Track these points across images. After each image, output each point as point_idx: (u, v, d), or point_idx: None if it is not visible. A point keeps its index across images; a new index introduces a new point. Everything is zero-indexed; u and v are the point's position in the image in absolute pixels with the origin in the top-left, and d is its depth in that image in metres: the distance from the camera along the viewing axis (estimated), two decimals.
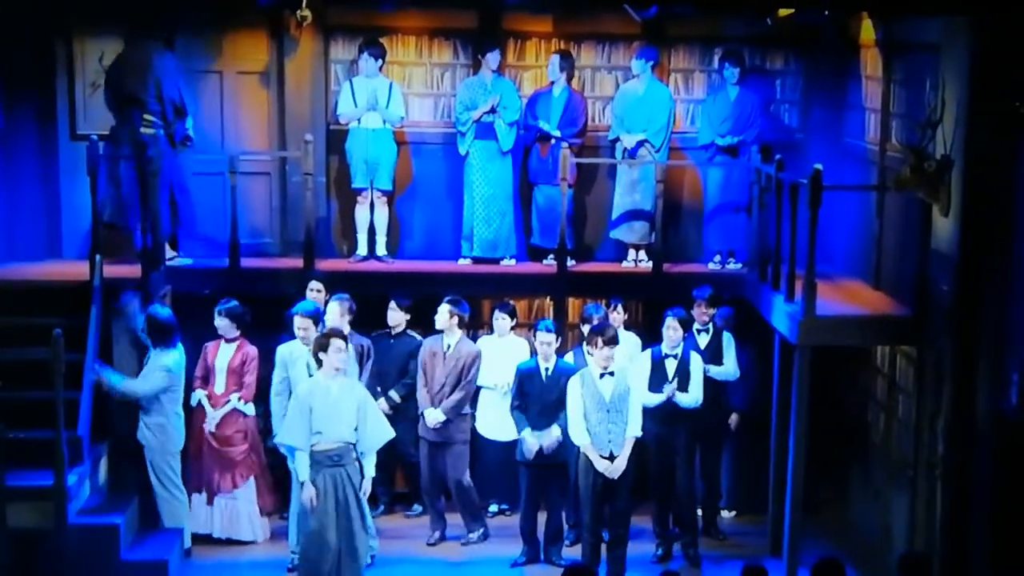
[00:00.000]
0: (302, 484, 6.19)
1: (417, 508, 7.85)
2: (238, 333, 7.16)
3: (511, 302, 7.74)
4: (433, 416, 7.22)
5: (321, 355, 6.22)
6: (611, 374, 6.54)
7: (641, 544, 7.26)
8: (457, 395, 7.22)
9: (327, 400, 6.18)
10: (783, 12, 7.46)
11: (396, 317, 7.53)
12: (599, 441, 6.50)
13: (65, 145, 7.86)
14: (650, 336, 8.12)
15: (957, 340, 6.12)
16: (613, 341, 6.51)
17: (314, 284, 7.33)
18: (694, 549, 7.15)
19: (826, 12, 7.50)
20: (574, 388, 6.57)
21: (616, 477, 6.51)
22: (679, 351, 6.95)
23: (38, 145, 7.86)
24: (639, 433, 6.60)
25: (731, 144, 7.86)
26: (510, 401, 7.04)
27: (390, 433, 6.40)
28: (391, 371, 7.54)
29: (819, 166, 6.48)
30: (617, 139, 8.00)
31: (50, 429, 6.05)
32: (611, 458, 6.49)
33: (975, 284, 6.05)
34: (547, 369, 6.93)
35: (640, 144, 7.89)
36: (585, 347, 6.83)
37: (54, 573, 6.06)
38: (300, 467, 6.18)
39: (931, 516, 6.34)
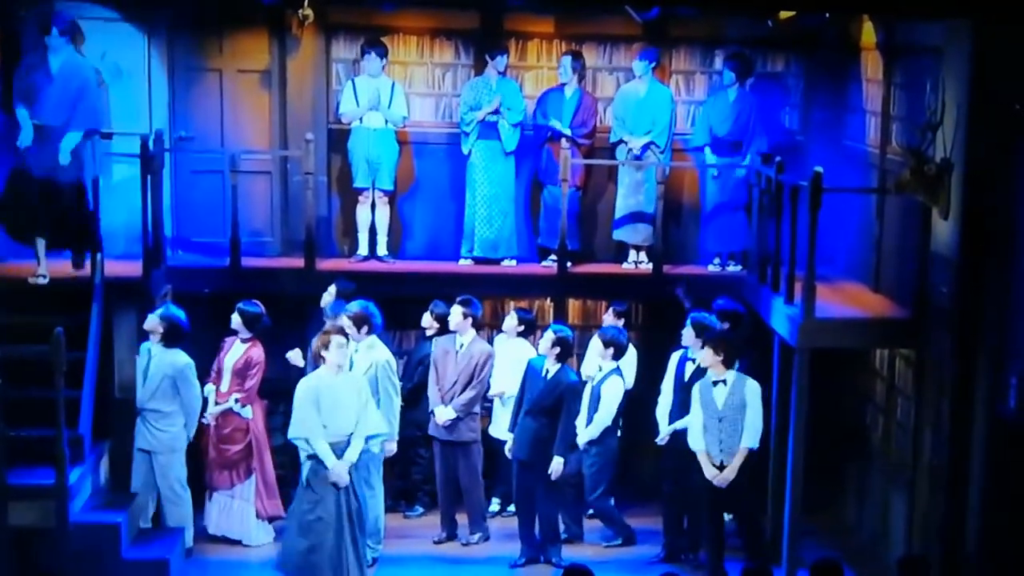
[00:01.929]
0: (328, 468, 6.17)
1: (418, 509, 7.85)
2: (251, 334, 7.16)
3: (531, 311, 7.76)
4: (444, 414, 7.21)
5: (324, 352, 6.26)
6: (724, 383, 6.57)
7: (641, 545, 7.29)
8: (469, 393, 7.22)
9: (332, 395, 6.24)
10: (784, 14, 7.48)
11: (426, 320, 7.54)
12: (711, 449, 6.55)
13: None
14: (649, 338, 8.15)
15: (956, 343, 6.13)
16: (721, 347, 6.56)
17: (332, 288, 7.29)
18: (695, 552, 7.16)
19: (827, 14, 7.51)
20: (695, 395, 6.65)
21: (723, 487, 6.54)
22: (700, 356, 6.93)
23: None
24: (751, 445, 6.56)
25: (730, 161, 7.83)
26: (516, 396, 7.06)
27: (383, 427, 6.43)
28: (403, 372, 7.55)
29: (819, 168, 6.50)
30: (620, 142, 7.99)
31: (51, 427, 6.04)
32: (721, 467, 6.54)
33: (974, 287, 6.07)
34: (548, 371, 6.95)
35: (647, 147, 7.88)
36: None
37: (55, 571, 6.06)
38: (324, 453, 6.20)
39: (929, 519, 6.36)
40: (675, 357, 7.06)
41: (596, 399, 7.06)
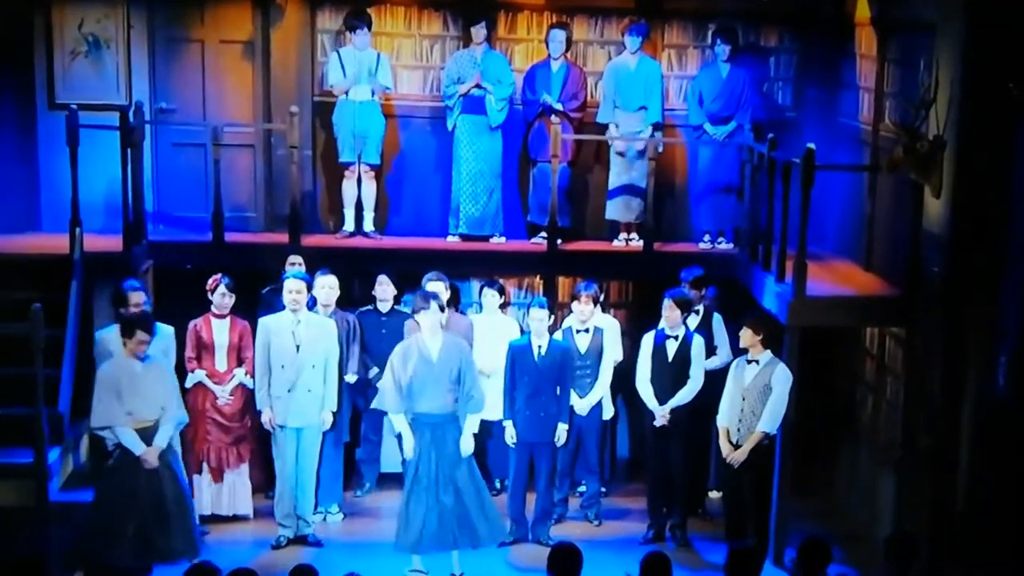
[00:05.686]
0: (137, 455, 5.95)
1: None
2: (228, 310, 7.04)
3: (499, 280, 7.65)
4: None
5: (125, 340, 6.03)
6: (756, 362, 6.53)
7: (630, 524, 7.27)
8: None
9: (133, 381, 6.00)
10: None
11: (388, 291, 7.37)
12: (731, 426, 6.57)
13: (44, 115, 7.71)
14: (640, 316, 8.09)
15: (947, 322, 6.11)
16: (760, 327, 6.51)
17: (293, 258, 7.13)
18: (682, 530, 7.14)
19: None
20: (731, 370, 6.69)
21: (735, 466, 6.55)
22: (680, 333, 6.88)
23: (16, 115, 7.71)
24: (766, 429, 6.48)
25: (726, 133, 7.75)
26: (503, 380, 6.95)
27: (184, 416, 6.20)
28: (388, 349, 7.43)
29: (811, 145, 6.43)
30: (613, 122, 7.83)
31: (30, 406, 5.95)
32: (737, 446, 6.54)
33: (966, 266, 6.03)
34: (540, 347, 6.86)
35: (653, 131, 7.76)
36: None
37: (34, 551, 5.98)
38: (131, 441, 5.96)
39: (918, 497, 6.36)
40: (649, 338, 6.92)
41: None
